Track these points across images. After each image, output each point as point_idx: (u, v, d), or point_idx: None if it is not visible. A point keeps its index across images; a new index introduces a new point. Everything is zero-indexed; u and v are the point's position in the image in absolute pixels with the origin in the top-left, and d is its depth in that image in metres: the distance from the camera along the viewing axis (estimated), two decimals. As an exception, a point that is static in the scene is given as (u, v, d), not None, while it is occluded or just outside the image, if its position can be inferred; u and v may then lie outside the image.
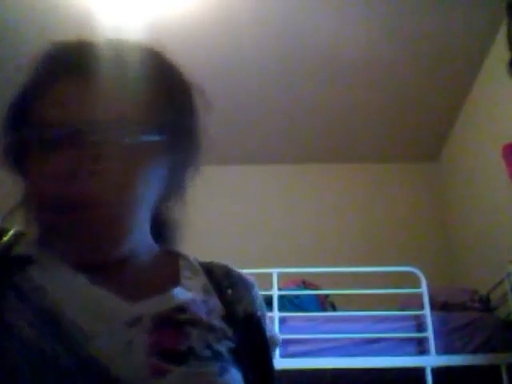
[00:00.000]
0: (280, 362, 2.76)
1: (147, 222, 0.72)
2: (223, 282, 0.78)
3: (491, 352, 2.78)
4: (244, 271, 0.87)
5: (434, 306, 2.99)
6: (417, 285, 3.03)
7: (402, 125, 4.19)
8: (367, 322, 2.93)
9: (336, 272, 3.44)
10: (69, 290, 0.63)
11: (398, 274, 3.19)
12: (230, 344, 0.69)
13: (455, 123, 4.14)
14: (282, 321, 2.88)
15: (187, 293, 0.70)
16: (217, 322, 0.69)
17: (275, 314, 2.85)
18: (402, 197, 4.54)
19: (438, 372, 2.76)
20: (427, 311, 2.89)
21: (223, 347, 0.67)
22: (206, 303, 0.71)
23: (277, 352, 2.76)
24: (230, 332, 0.70)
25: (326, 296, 3.35)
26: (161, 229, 0.81)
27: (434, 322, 2.86)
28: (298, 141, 4.38)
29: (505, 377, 2.70)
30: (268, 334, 0.76)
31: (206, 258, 0.91)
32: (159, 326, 0.64)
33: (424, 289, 2.98)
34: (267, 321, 0.79)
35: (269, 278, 3.00)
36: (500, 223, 3.30)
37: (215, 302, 0.73)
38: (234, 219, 4.50)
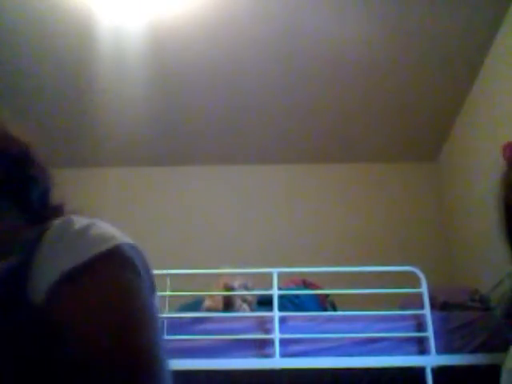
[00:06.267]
0: (280, 362, 2.76)
1: None
2: None
3: (491, 352, 2.78)
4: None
5: (434, 306, 2.99)
6: (417, 284, 3.03)
7: (402, 125, 4.19)
8: (367, 322, 2.93)
9: (336, 272, 3.44)
10: None
11: (398, 274, 3.19)
12: None
13: (455, 123, 4.15)
14: (282, 321, 2.88)
15: None
16: None
17: (275, 314, 2.85)
18: (402, 197, 4.54)
19: (438, 371, 2.76)
20: (427, 311, 2.89)
21: None
22: None
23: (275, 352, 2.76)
24: None
25: (327, 296, 3.35)
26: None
27: (434, 322, 2.86)
28: (298, 141, 4.38)
29: (505, 376, 2.70)
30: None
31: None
32: None
33: (424, 288, 2.98)
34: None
35: (269, 278, 3.00)
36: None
37: None
38: (234, 219, 4.50)
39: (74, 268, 0.63)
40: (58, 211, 0.82)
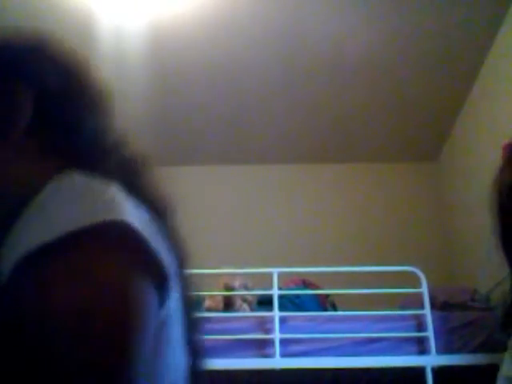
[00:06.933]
0: (280, 362, 2.76)
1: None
2: None
3: (491, 352, 2.78)
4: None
5: (434, 306, 2.99)
6: (417, 284, 3.03)
7: (402, 125, 4.19)
8: (367, 322, 2.93)
9: (336, 272, 3.44)
10: None
11: (398, 274, 3.19)
12: None
13: (455, 123, 4.15)
14: (283, 320, 2.88)
15: None
16: None
17: (275, 314, 2.85)
18: (402, 197, 4.54)
19: (438, 371, 2.76)
20: (427, 311, 2.89)
21: None
22: None
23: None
24: None
25: (327, 296, 3.35)
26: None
27: (434, 322, 2.86)
28: (298, 141, 4.38)
29: (505, 376, 2.70)
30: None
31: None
32: None
33: (424, 288, 2.98)
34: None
35: (269, 278, 3.00)
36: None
37: None
38: (234, 219, 4.50)
39: (51, 242, 0.45)
40: (106, 156, 0.64)
